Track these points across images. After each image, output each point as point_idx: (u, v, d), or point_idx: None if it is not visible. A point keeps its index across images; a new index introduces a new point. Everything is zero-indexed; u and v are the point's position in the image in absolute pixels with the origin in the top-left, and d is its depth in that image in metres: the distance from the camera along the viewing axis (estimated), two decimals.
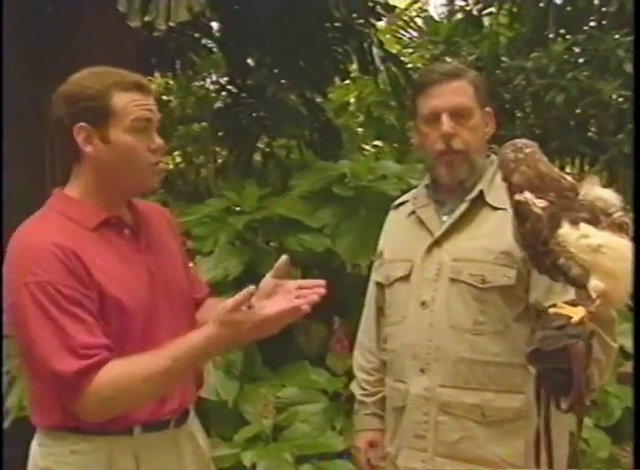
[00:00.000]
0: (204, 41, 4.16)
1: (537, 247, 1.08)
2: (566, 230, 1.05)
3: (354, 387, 1.56)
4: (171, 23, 2.44)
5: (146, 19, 2.41)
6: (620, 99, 4.16)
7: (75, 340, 1.08)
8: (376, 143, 4.62)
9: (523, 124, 4.46)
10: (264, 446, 2.26)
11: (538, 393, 1.09)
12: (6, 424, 2.13)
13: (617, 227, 1.05)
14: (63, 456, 1.17)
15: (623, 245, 1.04)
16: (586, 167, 4.79)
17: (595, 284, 1.04)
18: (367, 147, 4.64)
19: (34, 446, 1.22)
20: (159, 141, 1.21)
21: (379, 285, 1.49)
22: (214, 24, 4.04)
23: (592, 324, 1.10)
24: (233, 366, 2.39)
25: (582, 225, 1.05)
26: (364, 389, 1.52)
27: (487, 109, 1.39)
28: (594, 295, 1.05)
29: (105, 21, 2.82)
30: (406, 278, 1.39)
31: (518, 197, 1.11)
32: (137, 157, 1.18)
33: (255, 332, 1.11)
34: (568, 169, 5.05)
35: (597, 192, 1.09)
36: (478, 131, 1.37)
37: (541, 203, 1.08)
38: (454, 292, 1.32)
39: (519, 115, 4.60)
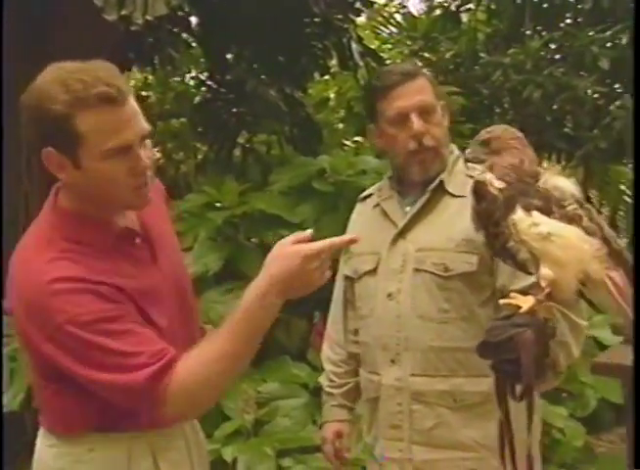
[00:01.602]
0: (183, 36, 4.13)
1: (489, 228, 1.10)
2: (519, 216, 1.05)
3: (323, 379, 1.58)
4: (149, 18, 2.41)
5: (122, 12, 2.39)
6: (596, 95, 4.23)
7: (136, 353, 1.02)
8: (356, 139, 4.63)
9: (501, 120, 4.51)
10: (245, 440, 2.27)
11: (497, 382, 1.10)
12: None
13: (569, 219, 1.05)
14: (80, 455, 1.13)
15: (573, 233, 1.04)
16: (563, 163, 4.87)
17: (545, 272, 1.04)
18: (347, 142, 4.65)
19: (43, 448, 1.17)
20: (143, 164, 1.05)
21: (347, 279, 1.49)
22: (193, 19, 4.01)
23: (555, 307, 1.11)
24: None
25: (534, 213, 1.05)
26: (332, 380, 1.54)
27: (442, 102, 1.41)
28: (543, 283, 1.04)
29: (81, 15, 2.78)
30: (374, 271, 1.40)
31: (478, 176, 1.12)
32: (116, 184, 1.05)
33: (305, 271, 1.01)
34: (545, 165, 5.12)
35: (556, 181, 1.09)
36: (442, 126, 1.39)
37: (499, 184, 1.08)
38: (419, 282, 1.34)
39: (497, 110, 4.65)
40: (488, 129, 1.15)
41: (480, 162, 1.13)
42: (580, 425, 2.62)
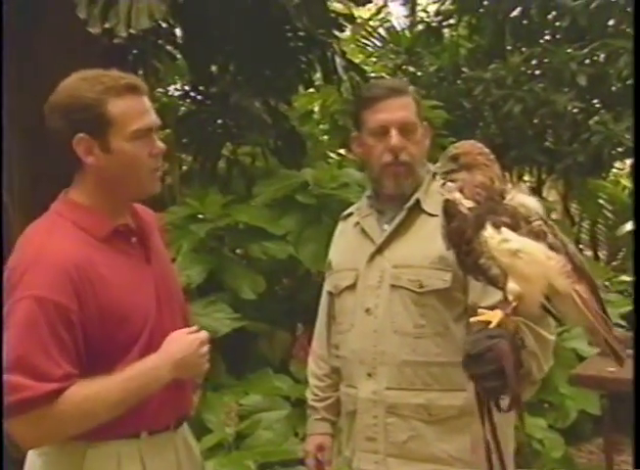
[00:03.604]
0: (167, 48, 4.13)
1: (462, 245, 1.14)
2: (489, 233, 1.09)
3: (307, 392, 1.60)
4: (132, 31, 2.42)
5: (106, 25, 2.40)
6: (575, 110, 4.32)
7: (58, 366, 1.09)
8: (340, 151, 4.66)
9: (483, 134, 4.57)
10: (226, 454, 2.26)
11: (478, 398, 1.12)
12: None
13: (535, 235, 1.09)
14: (69, 464, 1.17)
15: (539, 250, 1.08)
16: (544, 176, 4.94)
17: (512, 287, 1.08)
18: (332, 155, 4.68)
19: (32, 456, 1.22)
20: (160, 146, 1.21)
21: (330, 294, 1.52)
22: (178, 31, 4.02)
23: (521, 320, 1.15)
24: None
25: (503, 229, 1.09)
26: (315, 394, 1.56)
27: (425, 123, 1.45)
28: (511, 297, 1.09)
29: (66, 28, 2.78)
30: (352, 287, 1.43)
31: (447, 196, 1.16)
32: (139, 164, 1.19)
33: (198, 355, 1.21)
34: (526, 178, 5.21)
35: (521, 199, 1.13)
36: (421, 145, 1.43)
37: (468, 203, 1.13)
38: (395, 297, 1.37)
39: (480, 124, 4.72)
40: (456, 145, 1.18)
41: (452, 180, 1.16)
42: (559, 436, 2.64)
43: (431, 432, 1.34)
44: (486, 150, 1.18)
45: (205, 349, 1.22)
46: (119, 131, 1.17)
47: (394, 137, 1.37)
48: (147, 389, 1.16)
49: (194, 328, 1.24)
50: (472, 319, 1.14)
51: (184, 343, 1.20)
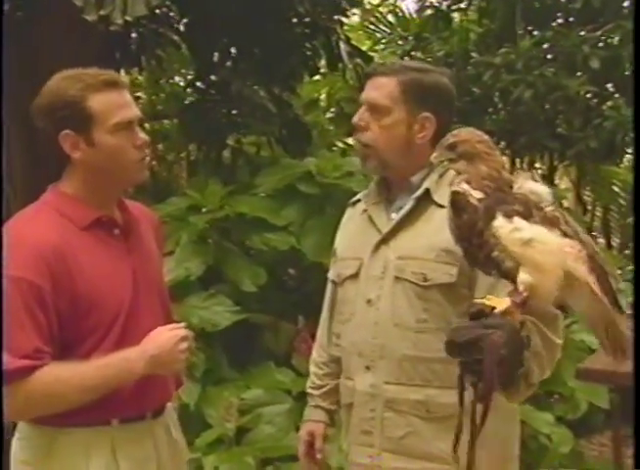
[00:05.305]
0: (171, 37, 4.08)
1: (472, 239, 1.08)
2: (499, 222, 1.04)
3: (308, 380, 1.59)
4: (128, 18, 2.38)
5: (102, 13, 2.36)
6: (588, 95, 4.20)
7: (29, 340, 1.13)
8: (347, 140, 4.59)
9: (493, 120, 4.47)
10: (226, 449, 2.24)
11: (460, 379, 1.09)
12: None
13: (549, 221, 1.05)
14: (41, 448, 1.21)
15: (553, 240, 1.04)
16: (555, 162, 4.84)
17: (523, 277, 1.04)
18: (339, 143, 4.61)
19: (15, 440, 1.26)
20: (143, 137, 1.25)
21: (333, 283, 1.49)
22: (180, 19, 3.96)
23: (529, 318, 1.11)
24: (195, 369, 2.36)
25: (515, 219, 1.04)
26: (312, 382, 1.55)
27: (425, 114, 1.34)
28: (521, 287, 1.04)
29: (64, 16, 2.75)
30: (355, 276, 1.39)
31: (455, 188, 1.10)
32: (124, 155, 1.23)
33: (175, 350, 1.21)
34: (537, 164, 5.10)
35: (531, 186, 1.09)
36: (393, 131, 1.34)
37: (478, 194, 1.08)
38: (398, 290, 1.33)
39: (490, 110, 4.62)
40: (454, 133, 1.13)
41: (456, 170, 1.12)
42: (568, 430, 2.58)
43: (428, 429, 1.30)
44: (486, 137, 1.13)
45: (184, 346, 1.22)
46: (101, 125, 1.21)
47: (356, 116, 1.34)
48: (119, 380, 1.18)
49: (177, 325, 1.24)
50: (477, 300, 1.10)
51: (161, 339, 1.21)
